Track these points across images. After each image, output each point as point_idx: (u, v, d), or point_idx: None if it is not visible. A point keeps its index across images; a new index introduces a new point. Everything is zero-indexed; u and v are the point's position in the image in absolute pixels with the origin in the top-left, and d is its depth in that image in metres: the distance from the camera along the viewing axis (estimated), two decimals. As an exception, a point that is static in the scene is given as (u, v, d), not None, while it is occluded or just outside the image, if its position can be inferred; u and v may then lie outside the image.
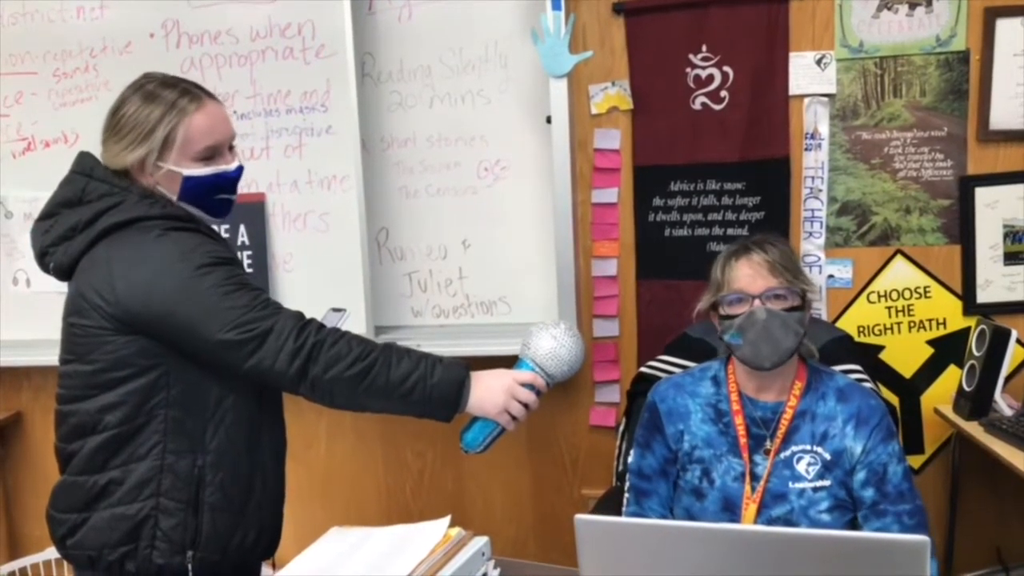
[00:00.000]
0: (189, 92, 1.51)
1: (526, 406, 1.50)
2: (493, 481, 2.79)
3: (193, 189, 1.51)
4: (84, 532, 1.48)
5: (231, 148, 1.56)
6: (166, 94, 1.49)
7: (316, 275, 2.65)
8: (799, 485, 1.62)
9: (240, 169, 1.57)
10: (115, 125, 1.50)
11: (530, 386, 1.51)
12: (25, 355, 2.75)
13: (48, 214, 1.52)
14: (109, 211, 1.47)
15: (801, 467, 1.62)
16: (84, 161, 1.54)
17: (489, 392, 1.49)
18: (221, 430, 1.49)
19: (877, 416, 1.65)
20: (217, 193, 1.54)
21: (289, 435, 1.68)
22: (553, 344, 1.51)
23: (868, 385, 1.84)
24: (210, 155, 1.51)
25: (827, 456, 1.63)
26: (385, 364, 1.43)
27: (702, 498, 1.67)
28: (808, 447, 1.63)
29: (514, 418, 1.50)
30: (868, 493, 1.61)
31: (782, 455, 1.63)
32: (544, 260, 2.54)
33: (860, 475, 1.62)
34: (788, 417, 1.65)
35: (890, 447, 1.63)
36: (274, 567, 1.66)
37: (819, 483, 1.61)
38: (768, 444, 1.64)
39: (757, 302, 1.61)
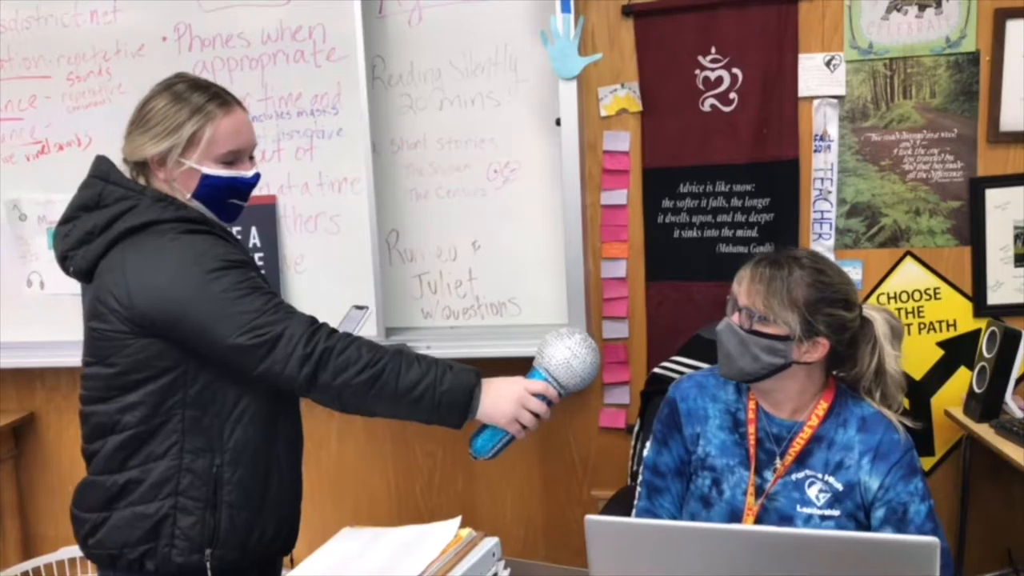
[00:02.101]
0: (219, 96, 1.54)
1: (537, 416, 1.50)
2: (503, 482, 2.80)
3: (209, 188, 1.53)
4: (105, 531, 1.50)
5: (251, 157, 1.59)
6: (196, 96, 1.52)
7: (327, 277, 2.66)
8: (807, 510, 1.57)
9: (257, 177, 1.59)
10: (142, 118, 1.53)
11: (542, 396, 1.50)
12: (39, 356, 2.77)
13: (68, 218, 1.55)
14: (124, 215, 1.49)
15: (812, 492, 1.57)
16: (101, 165, 1.56)
17: (500, 400, 1.48)
18: (238, 429, 1.51)
19: (899, 452, 1.56)
20: (231, 196, 1.57)
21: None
22: (567, 355, 1.50)
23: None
24: (231, 159, 1.54)
25: (838, 487, 1.56)
26: (395, 370, 1.44)
27: (709, 507, 1.64)
28: (820, 475, 1.58)
29: (524, 427, 1.50)
30: (887, 532, 1.53)
31: (793, 476, 1.59)
32: (554, 262, 2.55)
33: (879, 513, 1.55)
34: (804, 438, 1.59)
35: (912, 485, 1.54)
36: (292, 563, 1.67)
37: (827, 512, 1.56)
38: (778, 462, 1.60)
39: (736, 315, 1.58)
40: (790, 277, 1.53)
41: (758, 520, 1.58)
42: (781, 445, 1.61)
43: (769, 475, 1.60)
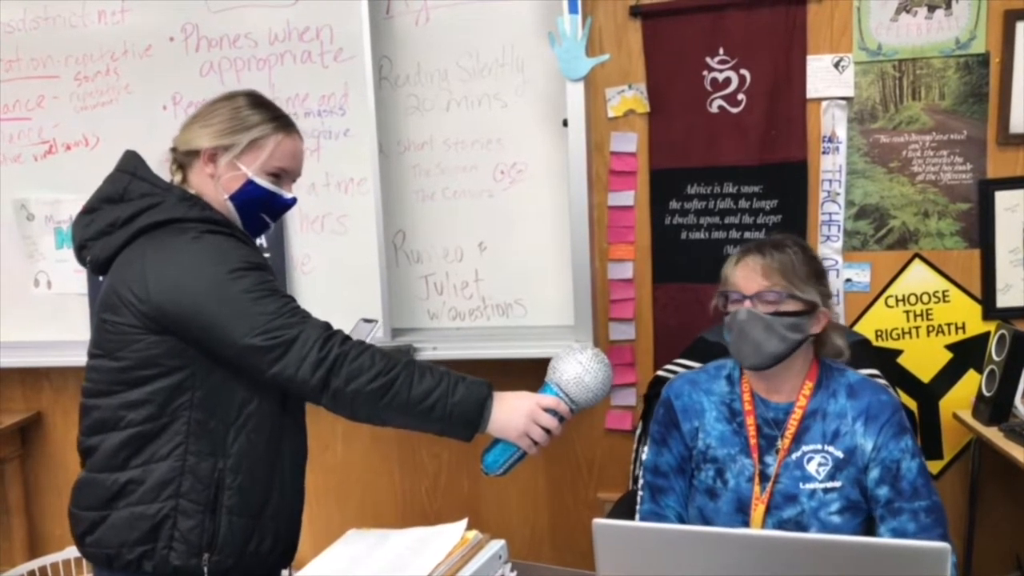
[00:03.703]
0: (285, 118, 1.60)
1: (548, 431, 1.49)
2: (509, 484, 2.80)
3: (248, 195, 1.55)
4: (103, 530, 1.50)
5: (292, 184, 1.64)
6: (267, 110, 1.58)
7: (333, 278, 2.66)
8: (810, 486, 1.60)
9: (294, 200, 1.63)
10: (208, 113, 1.57)
11: (553, 411, 1.49)
12: (46, 356, 2.78)
13: (90, 208, 1.55)
14: (148, 210, 1.50)
15: (811, 467, 1.61)
16: (129, 160, 1.57)
17: (511, 414, 1.47)
18: (243, 435, 1.50)
19: (888, 412, 1.62)
20: (264, 210, 1.59)
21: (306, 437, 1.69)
22: (579, 370, 1.49)
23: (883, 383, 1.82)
24: (278, 175, 1.58)
25: (839, 455, 1.61)
26: (407, 380, 1.43)
27: (715, 498, 1.66)
28: (819, 447, 1.62)
29: (535, 443, 1.49)
30: (883, 491, 1.59)
31: (793, 456, 1.62)
32: (560, 263, 2.55)
33: (874, 473, 1.60)
34: (798, 417, 1.63)
35: (902, 443, 1.60)
36: (291, 573, 1.66)
37: (830, 484, 1.60)
38: (779, 444, 1.63)
39: (748, 303, 1.61)
40: (792, 256, 1.62)
41: (767, 505, 1.60)
42: (779, 428, 1.65)
43: (771, 459, 1.64)
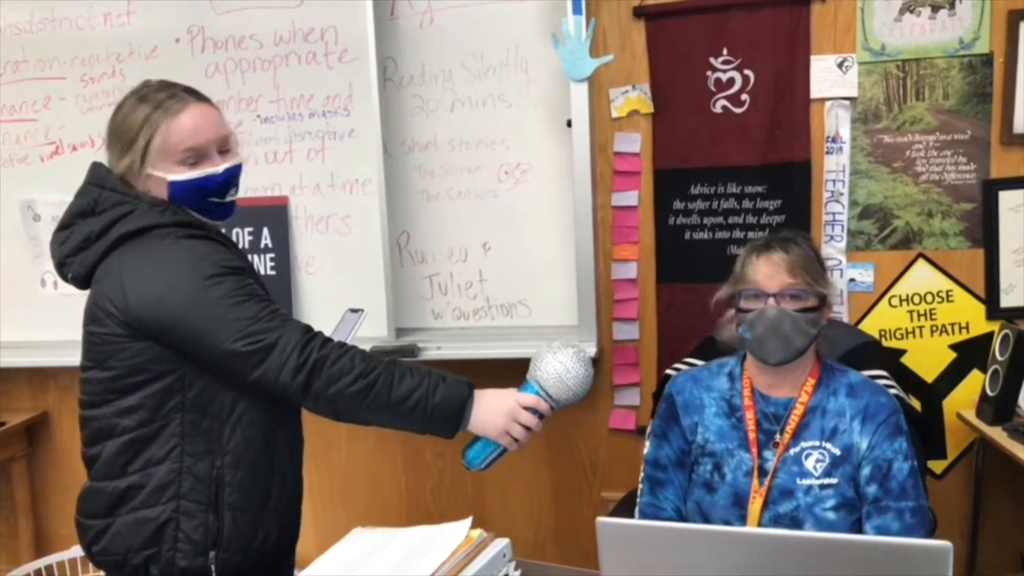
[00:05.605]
0: (170, 100, 1.50)
1: (528, 429, 1.50)
2: (513, 483, 2.80)
3: (180, 194, 1.51)
4: (109, 537, 1.50)
5: (225, 151, 1.55)
6: (142, 108, 1.50)
7: (338, 278, 2.67)
8: (806, 482, 1.62)
9: (228, 171, 1.53)
10: (109, 131, 1.54)
11: (533, 409, 1.50)
12: (52, 356, 2.78)
13: (64, 225, 1.55)
14: (121, 220, 1.49)
15: (809, 463, 1.63)
16: (97, 171, 1.56)
17: (491, 413, 1.49)
18: (238, 431, 1.51)
19: (884, 412, 1.64)
20: (206, 196, 1.53)
21: (310, 436, 1.70)
22: (559, 369, 1.50)
23: (893, 391, 1.83)
24: (194, 158, 1.50)
25: (836, 452, 1.63)
26: (387, 382, 1.44)
27: (713, 492, 1.68)
28: (817, 443, 1.64)
29: (516, 440, 1.50)
30: (871, 489, 1.61)
31: (791, 451, 1.64)
32: (564, 263, 2.55)
33: (865, 471, 1.62)
34: (799, 413, 1.65)
35: (896, 443, 1.62)
36: (295, 564, 1.67)
37: (826, 480, 1.61)
38: (777, 438, 1.65)
39: (772, 300, 1.62)
40: (803, 252, 1.65)
41: (764, 500, 1.62)
42: (779, 423, 1.67)
43: (770, 454, 1.65)
